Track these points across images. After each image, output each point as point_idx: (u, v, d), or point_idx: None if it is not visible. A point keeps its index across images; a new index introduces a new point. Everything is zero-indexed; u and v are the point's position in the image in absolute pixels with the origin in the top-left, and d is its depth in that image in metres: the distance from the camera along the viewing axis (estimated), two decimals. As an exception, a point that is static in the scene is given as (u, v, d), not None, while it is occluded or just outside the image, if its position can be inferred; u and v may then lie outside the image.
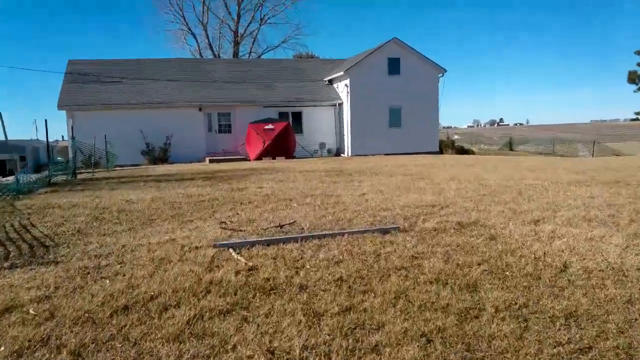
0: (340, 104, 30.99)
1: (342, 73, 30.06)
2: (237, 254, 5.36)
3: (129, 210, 8.66)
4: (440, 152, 31.99)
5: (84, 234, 6.92)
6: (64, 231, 7.13)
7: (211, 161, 26.68)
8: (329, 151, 31.23)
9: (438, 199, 8.83)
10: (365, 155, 28.20)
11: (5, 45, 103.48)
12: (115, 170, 24.58)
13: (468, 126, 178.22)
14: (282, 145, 27.56)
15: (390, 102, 30.12)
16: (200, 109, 29.27)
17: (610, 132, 78.76)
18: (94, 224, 7.64)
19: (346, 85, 30.00)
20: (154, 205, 9.09)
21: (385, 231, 6.24)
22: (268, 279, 4.66)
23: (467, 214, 7.40)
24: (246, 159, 27.50)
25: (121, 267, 5.16)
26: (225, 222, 7.02)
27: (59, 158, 28.43)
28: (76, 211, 8.80)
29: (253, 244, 5.70)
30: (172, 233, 6.63)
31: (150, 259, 5.36)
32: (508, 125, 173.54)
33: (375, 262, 5.10)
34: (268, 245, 5.72)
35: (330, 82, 32.53)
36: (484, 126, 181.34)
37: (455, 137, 46.20)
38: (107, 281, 4.73)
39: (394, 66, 30.13)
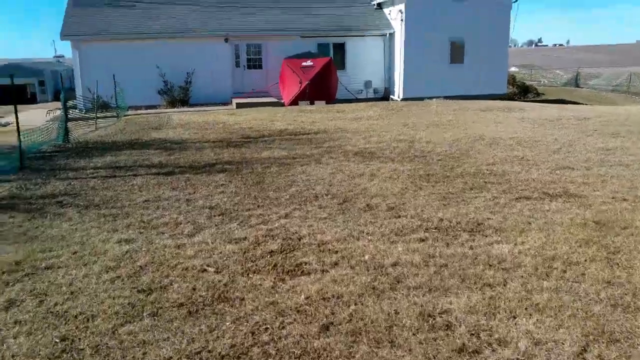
0: (392, 34, 24.76)
1: (395, -5, 23.66)
2: None
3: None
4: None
5: None
6: None
7: (238, 105, 21.54)
8: (375, 91, 25.49)
9: None
10: (421, 98, 22.40)
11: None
12: (127, 115, 19.77)
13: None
14: (322, 87, 22.07)
15: (451, 33, 23.79)
16: (226, 40, 23.59)
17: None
18: None
19: (400, 11, 23.62)
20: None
21: None
22: None
23: None
24: (279, 102, 22.24)
25: None
26: None
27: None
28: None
29: None
30: None
31: None
32: (547, 46, 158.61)
33: None
34: None
35: (380, 6, 25.97)
36: (522, 46, 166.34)
37: (513, 69, 39.11)
38: None
39: (458, -12, 23.54)
